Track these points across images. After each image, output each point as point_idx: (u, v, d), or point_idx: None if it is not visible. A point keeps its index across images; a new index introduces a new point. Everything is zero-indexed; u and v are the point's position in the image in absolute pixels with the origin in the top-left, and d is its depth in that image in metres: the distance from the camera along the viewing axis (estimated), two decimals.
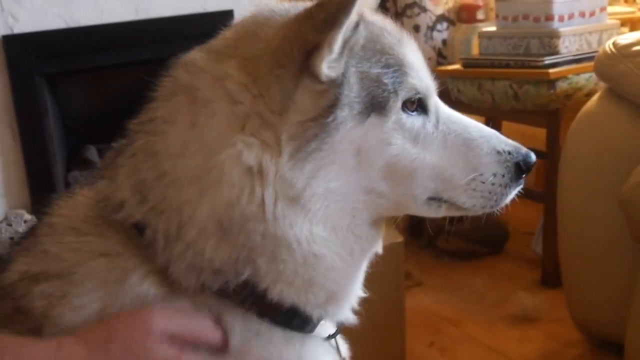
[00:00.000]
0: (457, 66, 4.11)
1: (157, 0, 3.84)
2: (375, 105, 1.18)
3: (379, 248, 1.33)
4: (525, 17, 3.77)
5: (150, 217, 1.15)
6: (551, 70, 3.60)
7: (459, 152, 1.25)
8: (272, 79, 1.14)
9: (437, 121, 1.26)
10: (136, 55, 3.85)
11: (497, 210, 1.30)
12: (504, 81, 3.78)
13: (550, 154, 3.83)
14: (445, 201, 1.26)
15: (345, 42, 1.16)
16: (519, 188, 1.29)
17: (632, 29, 3.95)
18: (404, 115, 1.21)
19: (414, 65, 1.23)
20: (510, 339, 3.48)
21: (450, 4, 4.48)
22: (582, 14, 3.77)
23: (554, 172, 3.67)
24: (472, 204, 1.26)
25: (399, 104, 1.20)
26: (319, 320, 1.25)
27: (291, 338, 1.22)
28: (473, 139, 1.25)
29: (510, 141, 1.29)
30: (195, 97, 1.17)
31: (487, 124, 4.74)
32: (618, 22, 3.99)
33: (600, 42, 3.76)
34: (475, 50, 4.18)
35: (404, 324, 3.27)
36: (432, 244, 4.41)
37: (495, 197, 1.26)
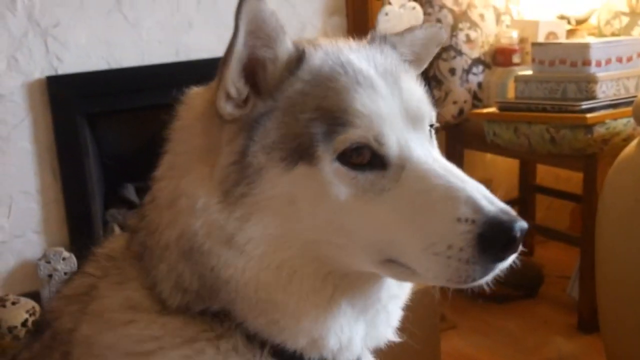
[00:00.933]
0: (493, 109, 4.10)
1: (197, 43, 3.91)
2: (302, 153, 1.11)
3: (376, 290, 1.24)
4: (562, 62, 3.76)
5: (146, 239, 1.23)
6: (588, 115, 3.58)
7: (411, 215, 1.08)
8: (209, 125, 1.19)
9: (400, 176, 1.11)
10: (175, 95, 3.90)
11: (476, 284, 1.11)
12: (540, 125, 3.76)
13: (586, 198, 3.80)
14: (407, 267, 1.11)
15: (273, 86, 1.16)
16: (502, 264, 1.08)
17: None
18: (344, 168, 1.11)
19: (365, 114, 1.11)
20: None
21: (486, 48, 4.48)
22: (619, 59, 3.75)
23: (590, 216, 3.64)
24: (433, 275, 1.08)
25: (331, 154, 1.10)
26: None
27: None
28: (432, 202, 1.07)
29: (484, 205, 1.06)
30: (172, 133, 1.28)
31: (521, 167, 4.75)
32: None
33: (637, 87, 3.75)
34: (511, 94, 4.16)
35: None
36: None
37: (463, 271, 1.05)
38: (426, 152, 1.14)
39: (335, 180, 1.10)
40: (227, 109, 1.15)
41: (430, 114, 1.22)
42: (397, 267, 1.11)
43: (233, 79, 1.14)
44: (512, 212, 1.06)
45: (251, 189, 1.12)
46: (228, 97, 1.15)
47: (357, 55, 1.21)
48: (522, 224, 1.05)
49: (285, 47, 1.17)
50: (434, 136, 1.26)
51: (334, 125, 1.10)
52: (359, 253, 1.13)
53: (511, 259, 1.09)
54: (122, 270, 1.26)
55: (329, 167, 1.10)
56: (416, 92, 1.21)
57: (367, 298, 1.23)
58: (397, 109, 1.15)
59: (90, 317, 1.23)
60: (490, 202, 1.05)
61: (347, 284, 1.19)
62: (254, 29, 1.12)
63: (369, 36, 1.33)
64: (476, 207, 1.04)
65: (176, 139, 1.26)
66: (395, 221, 1.09)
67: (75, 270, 1.36)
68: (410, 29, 1.36)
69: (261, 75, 1.17)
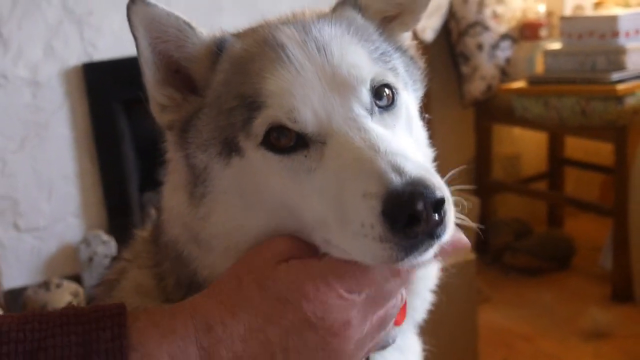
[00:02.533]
0: (521, 84, 4.10)
1: (228, 26, 3.89)
2: (231, 145, 1.07)
3: None
4: (591, 34, 3.76)
5: (159, 235, 1.23)
6: (619, 87, 3.59)
7: (332, 194, 0.99)
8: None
9: (323, 153, 1.02)
10: None
11: (406, 264, 0.97)
12: (570, 98, 3.77)
13: (618, 170, 3.81)
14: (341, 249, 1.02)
15: (202, 84, 1.12)
16: (430, 242, 0.94)
17: None
18: (269, 154, 1.04)
19: (276, 92, 1.04)
20: (584, 355, 3.45)
21: (513, 23, 4.48)
22: None
23: (622, 187, 3.65)
24: (360, 255, 0.97)
25: (254, 142, 1.04)
26: None
27: None
28: (343, 178, 0.98)
29: (388, 178, 0.93)
30: None
31: (550, 140, 4.74)
32: None
33: None
34: (539, 68, 4.17)
35: (476, 340, 3.27)
36: (498, 260, 4.40)
37: (380, 251, 0.94)
38: (352, 124, 1.03)
39: (264, 167, 1.05)
40: (165, 118, 1.14)
41: (371, 77, 1.08)
42: (335, 248, 1.01)
43: (155, 89, 1.12)
44: (425, 183, 0.93)
45: (206, 188, 1.10)
46: (162, 107, 1.14)
47: (289, 32, 1.11)
48: (430, 195, 0.92)
49: (199, 42, 1.12)
50: (399, 110, 1.13)
51: (251, 110, 1.05)
52: (307, 236, 1.05)
53: (444, 231, 0.95)
54: (149, 255, 1.26)
55: (255, 154, 1.05)
56: (350, 56, 1.08)
57: None
58: (318, 79, 1.05)
59: (111, 298, 1.24)
60: (399, 174, 0.93)
61: None
62: (155, 34, 1.09)
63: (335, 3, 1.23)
64: (381, 181, 0.93)
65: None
66: (321, 201, 1.01)
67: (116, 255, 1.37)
68: None
69: (192, 75, 1.14)
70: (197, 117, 1.11)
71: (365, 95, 1.06)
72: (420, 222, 0.91)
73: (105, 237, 3.80)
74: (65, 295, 3.50)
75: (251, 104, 1.05)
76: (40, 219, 3.80)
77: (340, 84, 1.05)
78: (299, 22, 1.13)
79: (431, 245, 0.95)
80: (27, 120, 3.70)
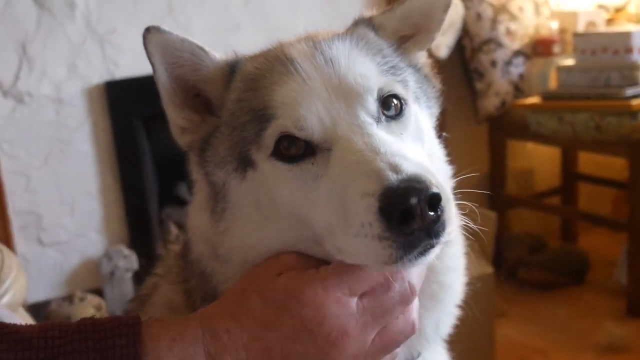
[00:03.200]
0: (535, 99, 4.12)
1: (245, 44, 3.86)
2: (245, 159, 1.09)
3: None
4: (604, 50, 3.78)
5: (187, 252, 1.25)
6: (633, 102, 3.60)
7: (336, 198, 1.00)
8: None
9: (329, 160, 1.04)
10: None
11: (403, 268, 0.99)
12: (585, 113, 3.78)
13: (632, 184, 3.81)
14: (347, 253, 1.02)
15: (218, 104, 1.15)
16: (430, 241, 0.95)
17: None
18: (279, 162, 1.06)
19: (284, 102, 1.06)
20: None
21: (526, 39, 4.50)
22: None
23: (637, 201, 3.66)
24: (362, 258, 0.98)
25: (265, 153, 1.06)
26: None
27: None
28: (345, 181, 0.99)
29: (385, 175, 0.94)
30: None
31: (563, 155, 4.75)
32: None
33: None
34: (552, 84, 4.18)
35: (494, 354, 3.27)
36: (512, 274, 4.40)
37: (380, 250, 0.94)
38: (357, 130, 1.04)
39: (276, 177, 1.06)
40: (186, 139, 1.17)
41: (378, 87, 1.10)
42: (345, 254, 1.02)
43: (175, 113, 1.16)
44: (419, 179, 0.94)
45: (226, 203, 1.13)
46: (182, 130, 1.17)
47: (301, 49, 1.13)
48: (424, 190, 0.92)
49: (213, 64, 1.15)
50: (409, 120, 1.14)
51: (262, 123, 1.06)
52: (322, 248, 1.05)
53: (444, 229, 0.96)
54: (179, 270, 1.28)
55: (267, 165, 1.06)
56: (358, 66, 1.10)
57: None
58: (324, 89, 1.07)
59: (143, 313, 1.25)
60: (395, 172, 0.95)
61: None
62: (170, 60, 1.12)
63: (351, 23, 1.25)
64: (379, 180, 0.94)
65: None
66: (327, 207, 1.01)
67: (145, 270, 1.39)
68: (401, 1, 1.25)
69: (209, 97, 1.17)
70: (214, 136, 1.14)
71: (372, 103, 1.08)
72: (415, 218, 0.91)
73: (127, 251, 3.83)
74: (88, 309, 3.51)
75: (262, 117, 1.07)
76: (63, 233, 3.83)
77: (346, 92, 1.07)
78: (310, 40, 1.16)
79: (431, 245, 0.95)
80: (50, 137, 3.73)
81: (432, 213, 0.92)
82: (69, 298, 3.56)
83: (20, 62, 3.63)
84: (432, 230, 0.94)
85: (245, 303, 1.04)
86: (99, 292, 3.74)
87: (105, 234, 3.92)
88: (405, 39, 1.27)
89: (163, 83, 1.13)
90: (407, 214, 0.91)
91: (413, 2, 1.24)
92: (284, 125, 1.04)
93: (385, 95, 1.10)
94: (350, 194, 0.97)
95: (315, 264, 1.06)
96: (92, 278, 3.84)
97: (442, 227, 0.95)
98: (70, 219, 3.84)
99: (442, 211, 0.94)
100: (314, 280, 1.02)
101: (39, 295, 3.73)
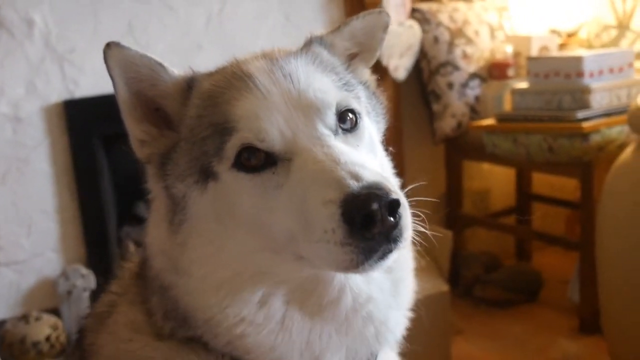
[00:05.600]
0: (490, 121, 4.15)
1: (207, 64, 3.89)
2: (206, 172, 1.12)
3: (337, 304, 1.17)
4: (557, 74, 3.81)
5: (145, 271, 1.27)
6: (584, 124, 3.63)
7: (297, 207, 1.04)
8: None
9: (290, 170, 1.07)
10: None
11: (363, 272, 1.04)
12: (538, 135, 3.81)
13: (584, 204, 3.85)
14: (308, 259, 1.07)
15: (176, 119, 1.18)
16: (388, 246, 1.00)
17: None
18: (241, 174, 1.09)
19: (244, 116, 1.10)
20: None
21: (482, 62, 4.55)
22: (611, 70, 3.82)
23: (589, 221, 3.69)
24: (324, 264, 1.04)
25: (227, 165, 1.10)
26: None
27: None
28: (306, 190, 1.03)
29: (346, 183, 0.98)
30: None
31: (517, 176, 4.78)
32: None
33: (629, 97, 3.80)
34: (507, 106, 4.22)
35: None
36: (468, 292, 4.41)
37: (342, 255, 0.98)
38: (315, 141, 1.08)
39: (237, 187, 1.09)
40: (145, 152, 1.20)
41: (341, 103, 1.15)
42: (304, 261, 1.07)
43: (135, 125, 1.18)
44: (379, 186, 0.98)
45: (185, 215, 1.15)
46: (141, 142, 1.19)
47: (258, 65, 1.17)
48: (384, 196, 0.96)
49: (171, 80, 1.18)
50: (362, 132, 1.19)
51: (223, 136, 1.10)
52: (280, 255, 1.09)
53: (400, 234, 1.00)
54: (138, 290, 1.28)
55: (228, 176, 1.10)
56: (316, 82, 1.15)
57: (328, 304, 1.17)
58: (285, 103, 1.10)
59: (103, 330, 1.27)
60: (356, 180, 0.98)
61: (296, 295, 1.15)
62: (130, 75, 1.15)
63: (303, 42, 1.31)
64: (339, 187, 0.98)
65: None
66: (288, 214, 1.05)
67: (102, 289, 1.39)
68: (347, 22, 1.33)
69: (167, 111, 1.20)
70: (174, 151, 1.17)
71: (331, 117, 1.13)
72: (376, 223, 0.96)
73: (84, 270, 3.77)
74: (44, 329, 3.47)
75: (222, 130, 1.10)
76: (19, 253, 3.77)
77: (305, 107, 1.11)
78: (266, 56, 1.21)
79: (389, 250, 1.00)
80: (8, 156, 3.69)
81: (391, 218, 0.97)
82: (24, 318, 3.50)
83: None
84: (390, 236, 0.98)
85: None
86: (55, 311, 3.68)
87: (62, 253, 3.87)
88: (352, 56, 1.34)
89: (122, 97, 1.16)
90: (368, 219, 0.96)
91: (357, 23, 1.32)
92: (245, 137, 1.08)
93: (342, 110, 1.15)
94: (312, 202, 1.01)
95: None
96: (49, 297, 3.78)
97: (400, 233, 1.00)
98: (27, 238, 3.79)
99: (399, 217, 0.98)
100: None
101: None
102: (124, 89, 1.16)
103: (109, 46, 1.14)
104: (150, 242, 1.23)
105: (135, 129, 1.19)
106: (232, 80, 1.15)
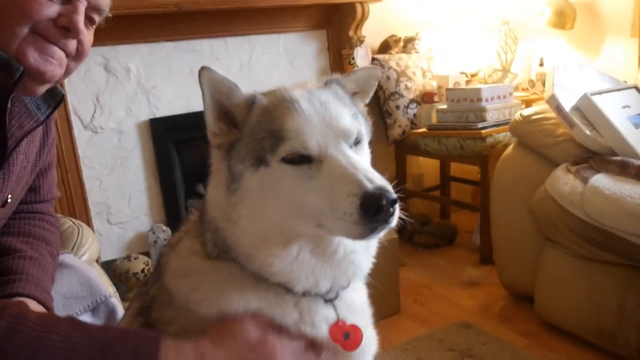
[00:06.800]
0: (424, 130, 4.16)
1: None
2: (261, 160, 1.07)
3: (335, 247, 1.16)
4: (465, 100, 3.85)
5: (203, 216, 1.22)
6: (483, 132, 3.68)
7: (326, 193, 1.01)
8: (216, 155, 1.20)
9: (321, 168, 1.04)
10: None
11: (369, 238, 1.01)
12: (454, 138, 3.84)
13: (482, 182, 3.89)
14: (328, 228, 1.04)
15: (241, 122, 1.13)
16: (385, 225, 0.99)
17: (527, 106, 4.03)
18: (286, 166, 1.05)
19: (293, 130, 1.05)
20: (463, 296, 3.51)
21: (417, 92, 4.55)
22: (499, 97, 3.85)
23: (486, 193, 3.73)
24: (341, 232, 1.02)
25: (277, 158, 1.05)
26: (305, 290, 1.15)
27: (286, 295, 1.16)
28: (335, 184, 1.00)
29: (365, 184, 0.98)
30: None
31: (441, 165, 4.71)
32: (520, 101, 4.07)
33: (510, 114, 3.83)
34: (434, 120, 4.23)
35: (398, 289, 3.33)
36: (410, 239, 4.42)
37: (355, 230, 0.98)
38: (339, 152, 1.06)
39: (282, 174, 1.06)
40: (216, 141, 1.16)
41: (355, 131, 1.11)
42: (323, 228, 1.04)
43: (212, 123, 1.14)
44: (387, 189, 0.98)
45: (239, 184, 1.11)
46: (215, 134, 1.16)
47: (299, 93, 1.13)
48: (389, 196, 0.97)
49: (241, 96, 1.14)
50: (364, 145, 1.18)
51: (276, 140, 1.05)
52: (304, 221, 1.06)
53: (393, 220, 1.00)
54: (197, 228, 1.25)
55: (277, 166, 1.06)
56: (341, 115, 1.11)
57: (328, 253, 1.14)
58: (320, 126, 1.07)
59: (172, 253, 1.24)
60: (371, 182, 0.98)
61: (309, 245, 1.12)
62: (214, 89, 1.11)
63: (325, 80, 1.27)
64: (360, 186, 0.98)
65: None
66: (319, 197, 1.02)
67: (174, 233, 1.34)
68: (354, 71, 1.29)
69: (234, 116, 1.16)
70: (237, 143, 1.12)
71: (351, 140, 1.12)
72: (382, 213, 0.96)
73: (165, 227, 3.82)
74: (140, 264, 3.49)
75: (276, 136, 1.05)
76: (123, 216, 3.80)
77: (336, 129, 1.09)
78: (304, 88, 1.18)
79: (384, 228, 1.01)
80: (115, 155, 3.71)
81: (391, 209, 0.99)
82: (127, 257, 3.54)
83: (94, 107, 3.62)
84: (388, 220, 0.99)
85: (222, 339, 1.10)
86: (147, 253, 3.73)
87: (150, 217, 3.90)
88: (354, 94, 1.30)
89: (207, 103, 1.11)
90: (377, 210, 0.96)
91: (360, 73, 1.28)
92: (294, 146, 1.04)
93: (358, 137, 1.15)
94: (338, 193, 0.99)
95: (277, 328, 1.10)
96: (143, 245, 3.83)
97: (393, 218, 1.01)
98: (128, 207, 3.82)
99: (394, 209, 1.00)
100: (279, 339, 1.10)
101: (108, 256, 3.72)
102: (210, 98, 1.11)
103: (203, 69, 1.08)
104: (210, 198, 1.18)
105: (212, 125, 1.14)
106: (282, 101, 1.10)
